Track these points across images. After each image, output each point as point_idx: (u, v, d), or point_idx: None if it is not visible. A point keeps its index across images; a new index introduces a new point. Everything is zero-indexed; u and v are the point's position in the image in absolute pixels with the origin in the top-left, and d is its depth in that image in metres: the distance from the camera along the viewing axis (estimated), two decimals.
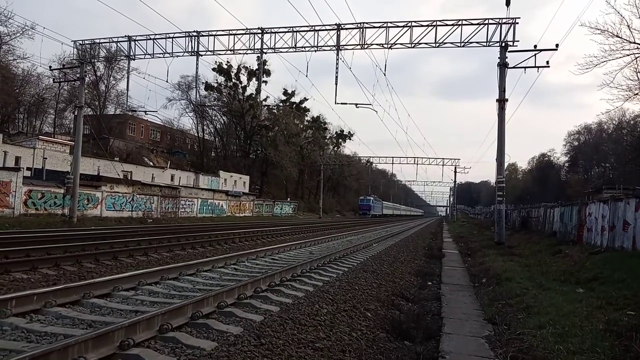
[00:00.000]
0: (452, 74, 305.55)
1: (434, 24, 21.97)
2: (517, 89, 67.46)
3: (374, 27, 22.78)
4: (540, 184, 76.58)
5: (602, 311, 6.39)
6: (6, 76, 38.77)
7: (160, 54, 25.51)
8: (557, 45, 18.90)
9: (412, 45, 22.27)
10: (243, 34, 24.89)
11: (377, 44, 22.74)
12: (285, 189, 70.52)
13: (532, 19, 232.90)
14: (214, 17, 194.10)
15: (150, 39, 25.44)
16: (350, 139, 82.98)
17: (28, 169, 28.37)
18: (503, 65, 19.53)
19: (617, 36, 16.39)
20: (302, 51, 23.99)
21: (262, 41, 24.45)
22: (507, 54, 19.70)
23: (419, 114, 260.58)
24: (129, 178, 35.26)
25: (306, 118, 74.80)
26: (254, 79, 58.91)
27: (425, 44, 22.22)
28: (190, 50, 25.31)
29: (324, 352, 4.54)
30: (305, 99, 68.12)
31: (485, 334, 5.70)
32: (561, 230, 20.12)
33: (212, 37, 25.28)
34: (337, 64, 23.29)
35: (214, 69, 56.75)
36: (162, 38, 25.36)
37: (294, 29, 23.85)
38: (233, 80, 61.23)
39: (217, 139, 68.50)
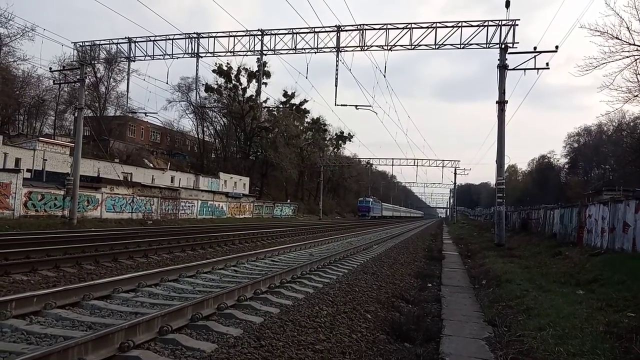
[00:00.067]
0: (452, 75, 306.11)
1: (434, 25, 22.02)
2: (517, 91, 67.51)
3: (374, 28, 22.83)
4: (540, 185, 76.57)
5: (602, 313, 6.39)
6: (6, 78, 38.81)
7: (160, 55, 25.54)
8: (556, 47, 18.96)
9: (412, 47, 22.31)
10: (243, 35, 24.94)
11: (377, 46, 22.79)
12: (285, 191, 70.51)
13: (531, 21, 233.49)
14: (214, 18, 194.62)
15: (151, 40, 25.49)
16: (350, 141, 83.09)
17: (28, 170, 28.36)
18: (503, 67, 19.56)
19: (617, 38, 16.40)
20: (302, 53, 24.06)
21: (262, 43, 24.49)
22: (507, 56, 19.75)
23: (419, 115, 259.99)
24: (129, 180, 35.27)
25: (306, 120, 74.83)
26: (254, 80, 58.95)
27: (425, 45, 22.28)
28: (190, 51, 25.36)
29: (324, 353, 4.54)
30: (305, 101, 68.19)
31: (485, 335, 5.70)
32: (561, 232, 20.12)
33: (212, 38, 25.33)
34: (337, 65, 23.33)
35: (214, 71, 56.87)
36: (162, 40, 25.41)
37: (294, 31, 23.90)
38: (233, 81, 61.28)
39: (217, 140, 68.54)
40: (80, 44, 27.40)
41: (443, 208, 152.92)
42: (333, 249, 15.24)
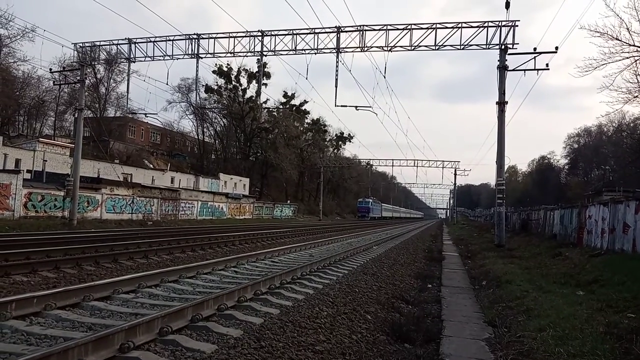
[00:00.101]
0: (452, 76, 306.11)
1: (434, 26, 22.06)
2: (517, 92, 67.48)
3: (374, 29, 22.87)
4: (540, 186, 76.59)
5: (602, 314, 6.39)
6: (6, 79, 38.81)
7: (160, 56, 25.60)
8: (556, 48, 18.98)
9: (412, 47, 22.35)
10: (243, 36, 24.98)
11: (377, 47, 22.83)
12: (285, 192, 70.52)
13: (531, 22, 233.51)
14: (214, 19, 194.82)
15: (151, 41, 25.54)
16: (350, 142, 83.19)
17: (28, 171, 28.38)
18: (503, 68, 19.58)
19: (617, 39, 16.40)
20: (302, 54, 24.12)
21: (262, 44, 24.53)
22: (507, 57, 19.77)
23: (419, 116, 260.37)
24: (129, 180, 35.27)
25: (306, 120, 74.86)
26: (254, 81, 58.98)
27: (425, 46, 22.32)
28: (190, 52, 25.40)
29: (324, 354, 4.54)
30: (305, 102, 68.24)
31: (486, 336, 5.70)
32: (561, 232, 20.12)
33: (212, 39, 25.38)
34: (337, 66, 23.38)
35: (214, 72, 56.92)
36: (162, 40, 25.47)
37: (294, 32, 23.94)
38: (233, 82, 61.31)
39: (217, 141, 68.56)
40: (81, 44, 27.47)
41: (443, 209, 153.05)
42: (333, 249, 15.24)
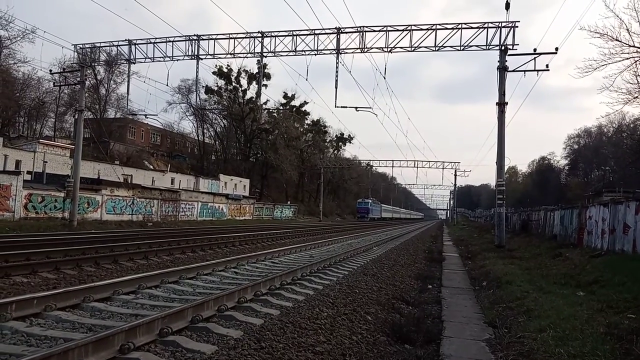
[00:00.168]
0: (452, 77, 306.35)
1: (434, 27, 22.08)
2: (517, 92, 67.57)
3: (374, 30, 22.89)
4: (540, 187, 76.59)
5: (603, 314, 6.39)
6: (7, 80, 38.82)
7: (160, 57, 25.64)
8: (556, 49, 18.99)
9: (412, 48, 22.38)
10: (243, 37, 25.02)
11: (377, 48, 22.86)
12: (285, 192, 70.52)
13: (531, 23, 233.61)
14: (214, 20, 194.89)
15: (151, 42, 25.58)
16: (350, 142, 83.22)
17: (28, 172, 28.39)
18: (503, 69, 19.59)
19: (617, 40, 16.42)
20: (302, 55, 24.16)
21: (262, 45, 24.57)
22: (507, 58, 19.78)
23: (419, 117, 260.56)
24: (129, 181, 35.26)
25: (306, 121, 74.89)
26: (254, 82, 59.02)
27: (425, 47, 22.35)
28: (190, 53, 25.44)
29: (324, 355, 4.54)
30: (306, 103, 68.26)
31: (486, 337, 5.69)
32: (561, 233, 20.11)
33: (212, 40, 25.41)
34: (337, 67, 23.42)
35: (214, 73, 56.98)
36: (162, 42, 25.51)
37: (294, 33, 23.97)
38: (233, 83, 61.34)
39: (217, 142, 68.57)
40: (81, 46, 27.50)
41: (443, 209, 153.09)
42: (333, 250, 15.23)
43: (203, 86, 58.09)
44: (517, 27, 20.31)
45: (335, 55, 23.31)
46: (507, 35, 20.34)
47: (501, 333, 5.78)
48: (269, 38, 24.50)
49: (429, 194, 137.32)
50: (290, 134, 65.23)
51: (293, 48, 23.99)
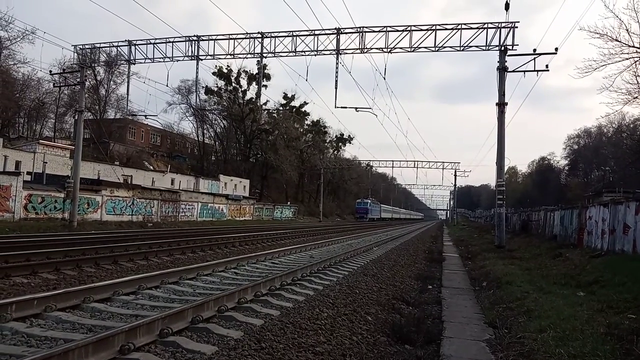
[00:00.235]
0: (452, 77, 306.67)
1: (434, 28, 22.09)
2: (517, 93, 67.72)
3: (374, 31, 22.90)
4: (540, 187, 76.57)
5: (603, 315, 6.38)
6: (7, 81, 38.81)
7: (160, 58, 25.66)
8: (556, 49, 19.00)
9: (412, 49, 22.39)
10: (243, 38, 25.04)
11: (376, 48, 22.89)
12: (285, 193, 70.50)
13: (531, 23, 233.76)
14: (214, 21, 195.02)
15: (151, 43, 25.60)
16: (350, 143, 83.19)
17: (28, 173, 28.37)
18: (502, 69, 19.61)
19: (616, 40, 16.39)
20: (302, 55, 24.18)
21: (262, 45, 24.59)
22: (507, 58, 19.80)
23: (419, 117, 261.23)
24: (129, 182, 35.24)
25: (306, 122, 74.86)
26: (254, 83, 59.02)
27: (425, 47, 22.37)
28: (190, 54, 25.46)
29: (324, 355, 4.54)
30: (305, 103, 68.22)
31: (486, 337, 5.69)
32: (561, 233, 20.11)
33: (212, 41, 25.44)
34: (337, 68, 23.44)
35: (214, 73, 56.94)
36: (162, 42, 25.53)
37: (294, 33, 23.99)
38: (233, 84, 61.32)
39: (217, 142, 68.55)
40: (81, 46, 27.51)
41: (443, 210, 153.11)
42: (333, 251, 15.23)
43: (203, 87, 58.14)
44: (516, 27, 20.36)
45: (335, 55, 23.34)
46: (507, 35, 20.39)
47: (501, 333, 5.78)
48: (269, 39, 24.53)
49: (428, 195, 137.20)
50: (290, 134, 65.23)
51: (293, 48, 24.02)
